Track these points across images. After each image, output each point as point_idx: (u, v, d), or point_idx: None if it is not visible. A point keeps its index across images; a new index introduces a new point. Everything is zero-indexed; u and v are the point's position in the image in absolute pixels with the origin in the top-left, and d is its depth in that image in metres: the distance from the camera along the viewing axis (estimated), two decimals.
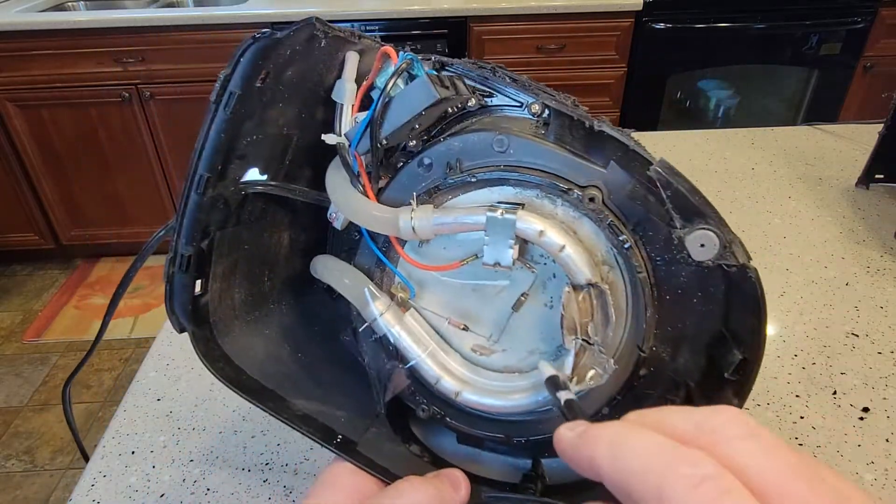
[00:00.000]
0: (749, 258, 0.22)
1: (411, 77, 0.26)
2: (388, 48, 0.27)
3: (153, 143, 1.83)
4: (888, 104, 0.72)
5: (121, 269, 2.07)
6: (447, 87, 0.26)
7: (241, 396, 0.28)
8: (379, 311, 0.29)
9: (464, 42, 1.75)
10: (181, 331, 0.28)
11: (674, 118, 1.96)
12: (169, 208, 1.95)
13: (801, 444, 0.45)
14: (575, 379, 0.25)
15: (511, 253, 0.25)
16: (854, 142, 0.89)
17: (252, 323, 0.31)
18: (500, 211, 0.25)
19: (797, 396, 0.49)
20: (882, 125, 0.74)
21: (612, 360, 0.26)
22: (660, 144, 0.91)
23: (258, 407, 0.28)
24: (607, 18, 1.74)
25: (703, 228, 0.22)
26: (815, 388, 0.49)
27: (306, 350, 0.32)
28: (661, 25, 1.76)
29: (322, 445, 0.27)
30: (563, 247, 0.24)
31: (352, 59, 0.29)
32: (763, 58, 1.86)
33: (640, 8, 1.72)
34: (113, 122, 1.79)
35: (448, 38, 1.74)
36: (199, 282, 0.28)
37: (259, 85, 0.25)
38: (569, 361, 0.25)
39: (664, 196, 0.23)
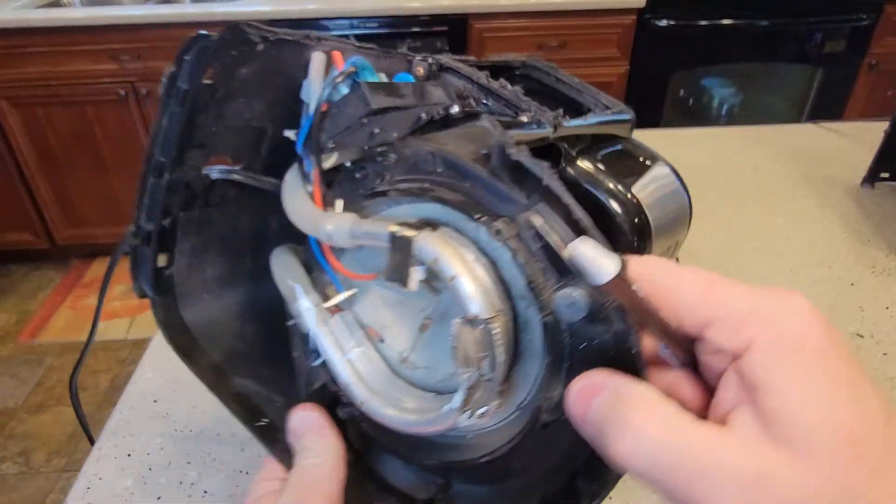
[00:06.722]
0: (629, 327, 0.20)
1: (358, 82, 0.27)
2: (335, 52, 0.27)
3: None
4: (893, 102, 0.72)
5: (117, 269, 2.04)
6: (402, 96, 0.25)
7: (186, 364, 0.30)
8: (305, 308, 0.29)
9: (464, 39, 1.74)
10: (142, 296, 0.30)
11: (677, 116, 1.95)
12: None
13: None
14: (464, 414, 0.24)
15: (410, 272, 0.24)
16: (859, 140, 0.89)
17: (221, 299, 0.33)
18: (401, 229, 0.23)
19: None
20: (887, 123, 0.73)
21: (496, 402, 0.24)
22: (662, 143, 0.90)
23: (197, 376, 0.30)
24: (609, 15, 1.73)
25: (571, 287, 0.20)
26: None
27: (268, 333, 0.33)
28: (664, 22, 1.75)
29: (244, 425, 0.29)
30: (454, 277, 0.23)
31: (317, 60, 0.28)
32: (767, 55, 1.85)
33: (643, 5, 1.71)
34: (109, 121, 1.78)
35: (448, 35, 1.73)
36: (164, 255, 0.30)
37: (209, 82, 0.27)
38: (458, 396, 0.23)
39: (536, 248, 0.21)
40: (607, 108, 0.28)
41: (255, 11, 1.65)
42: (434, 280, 0.25)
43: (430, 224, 0.24)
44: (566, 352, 0.23)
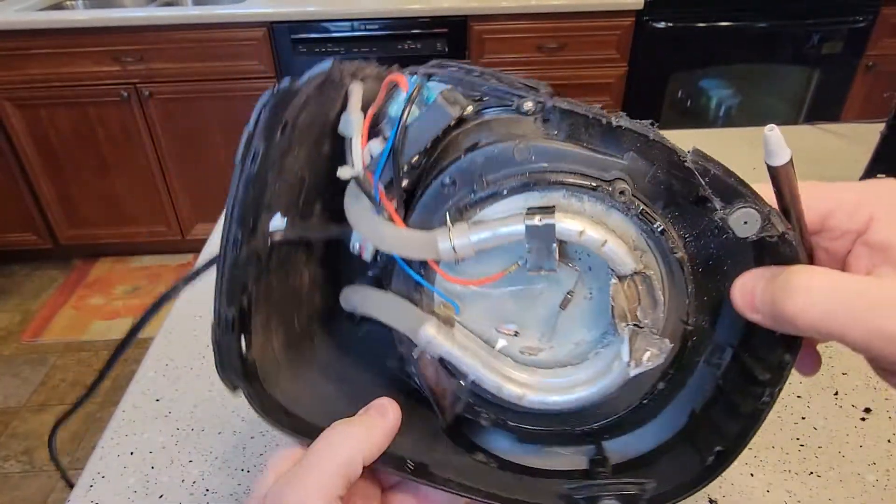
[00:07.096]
0: (787, 226, 0.24)
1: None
2: (397, 76, 0.27)
3: (152, 143, 1.83)
4: (890, 104, 0.72)
5: (119, 268, 2.07)
6: (454, 103, 0.26)
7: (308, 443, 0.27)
8: (431, 334, 0.29)
9: (464, 41, 1.75)
10: (234, 390, 0.27)
11: (675, 118, 1.96)
12: (167, 208, 1.95)
13: (802, 445, 0.45)
14: (633, 363, 0.26)
15: (555, 256, 0.26)
16: (856, 141, 0.89)
17: (294, 368, 0.31)
18: (537, 217, 0.25)
19: (798, 397, 0.48)
20: (884, 125, 0.73)
21: (666, 340, 0.26)
22: None
23: None
24: (608, 17, 1.74)
25: (744, 207, 0.24)
26: (817, 388, 0.49)
27: (350, 382, 0.32)
28: (662, 24, 1.76)
29: (400, 476, 0.27)
30: (605, 241, 0.25)
31: (356, 91, 0.28)
32: (765, 57, 1.86)
33: (641, 7, 1.72)
34: (112, 122, 1.78)
35: (448, 37, 1.73)
36: (243, 338, 0.27)
37: (279, 136, 0.25)
38: (625, 348, 0.26)
39: (702, 182, 0.24)
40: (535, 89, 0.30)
41: (257, 13, 1.65)
42: (565, 256, 0.28)
43: (543, 210, 0.26)
44: (698, 279, 0.27)
